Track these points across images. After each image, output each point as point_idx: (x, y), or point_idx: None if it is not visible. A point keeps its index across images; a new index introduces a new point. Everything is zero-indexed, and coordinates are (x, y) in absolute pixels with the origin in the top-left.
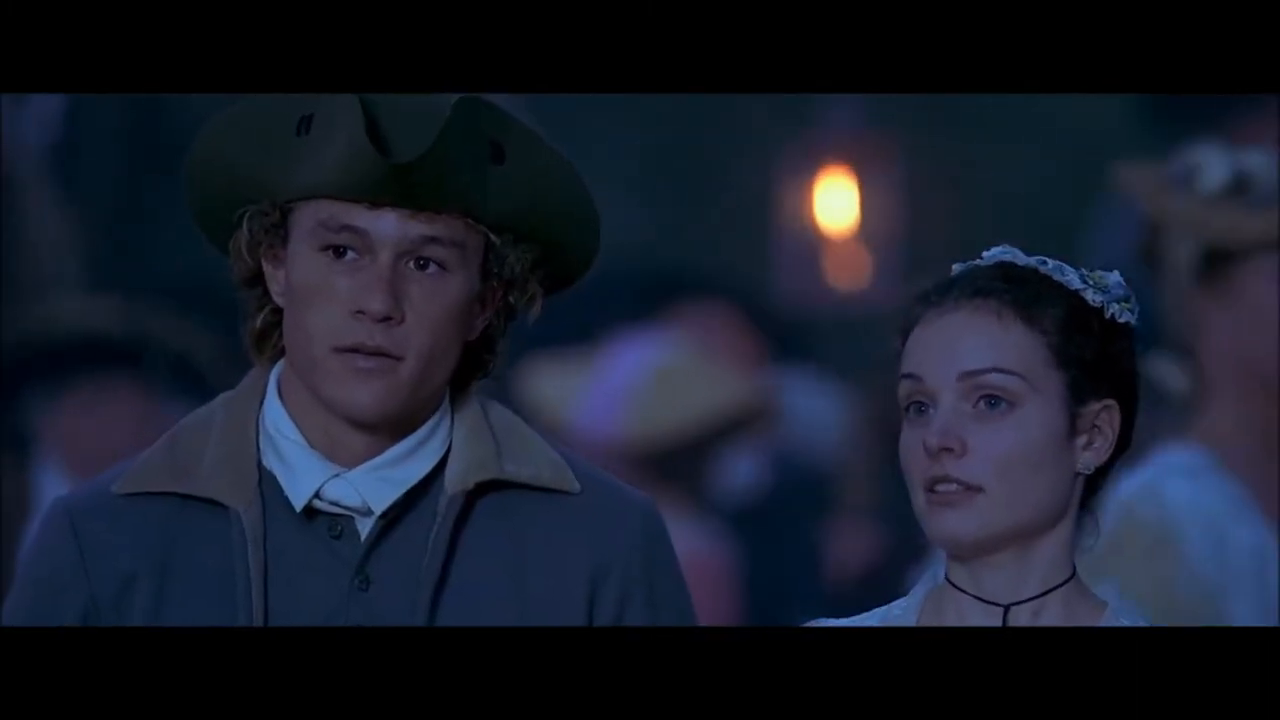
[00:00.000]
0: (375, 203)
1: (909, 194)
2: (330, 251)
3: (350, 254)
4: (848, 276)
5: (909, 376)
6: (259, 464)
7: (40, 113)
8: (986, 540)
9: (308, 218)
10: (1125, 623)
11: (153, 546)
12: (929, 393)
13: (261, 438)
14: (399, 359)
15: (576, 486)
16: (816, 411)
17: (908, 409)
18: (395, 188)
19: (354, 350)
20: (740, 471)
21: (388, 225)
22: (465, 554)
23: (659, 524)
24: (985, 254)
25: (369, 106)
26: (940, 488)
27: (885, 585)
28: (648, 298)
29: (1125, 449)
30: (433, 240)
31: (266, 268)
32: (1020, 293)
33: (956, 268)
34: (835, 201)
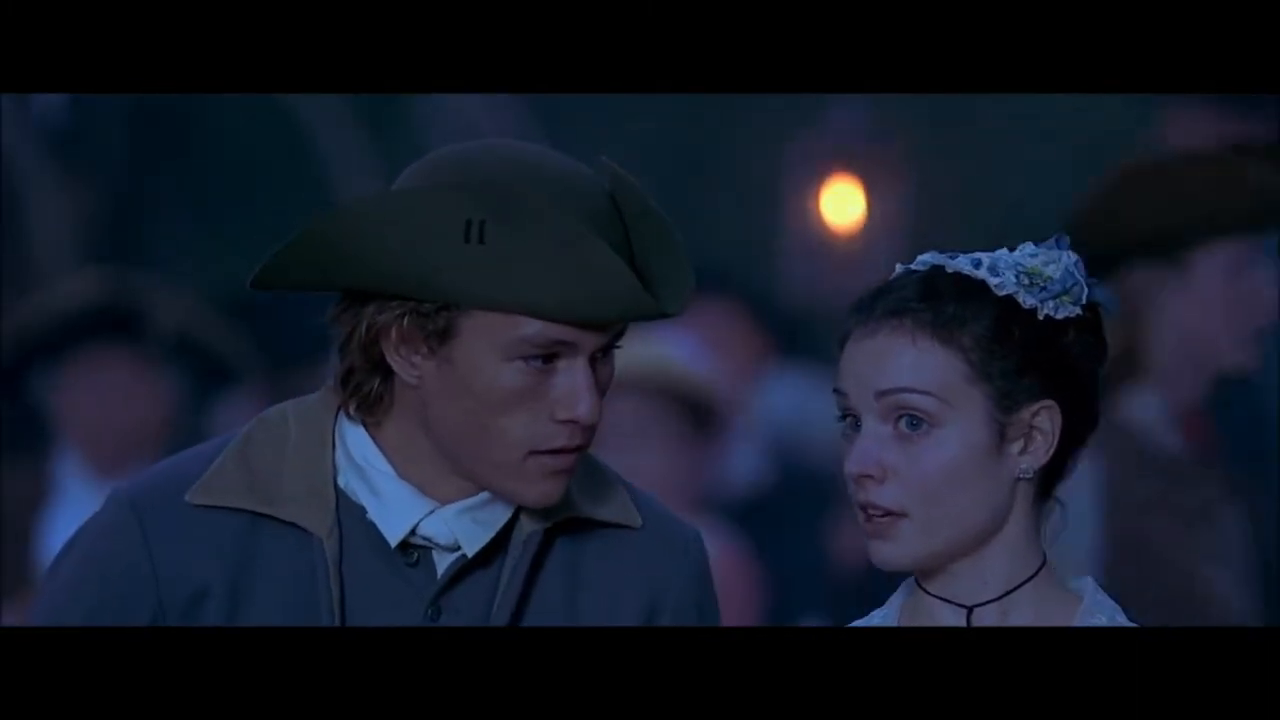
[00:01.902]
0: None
1: (916, 193)
2: (531, 361)
3: (550, 360)
4: (854, 275)
5: (838, 392)
6: (335, 485)
7: (43, 102)
8: (922, 562)
9: (499, 328)
10: (1100, 617)
11: (227, 562)
12: (854, 409)
13: (340, 457)
14: (586, 447)
15: (639, 521)
16: (818, 407)
17: (842, 420)
18: (643, 319)
19: (557, 452)
20: (741, 469)
21: (594, 333)
22: (536, 589)
23: (706, 559)
24: (918, 259)
25: (599, 229)
26: (869, 513)
27: (889, 584)
28: None
29: (1081, 440)
30: (621, 334)
31: (409, 356)
32: (938, 310)
33: (899, 269)
34: (842, 200)
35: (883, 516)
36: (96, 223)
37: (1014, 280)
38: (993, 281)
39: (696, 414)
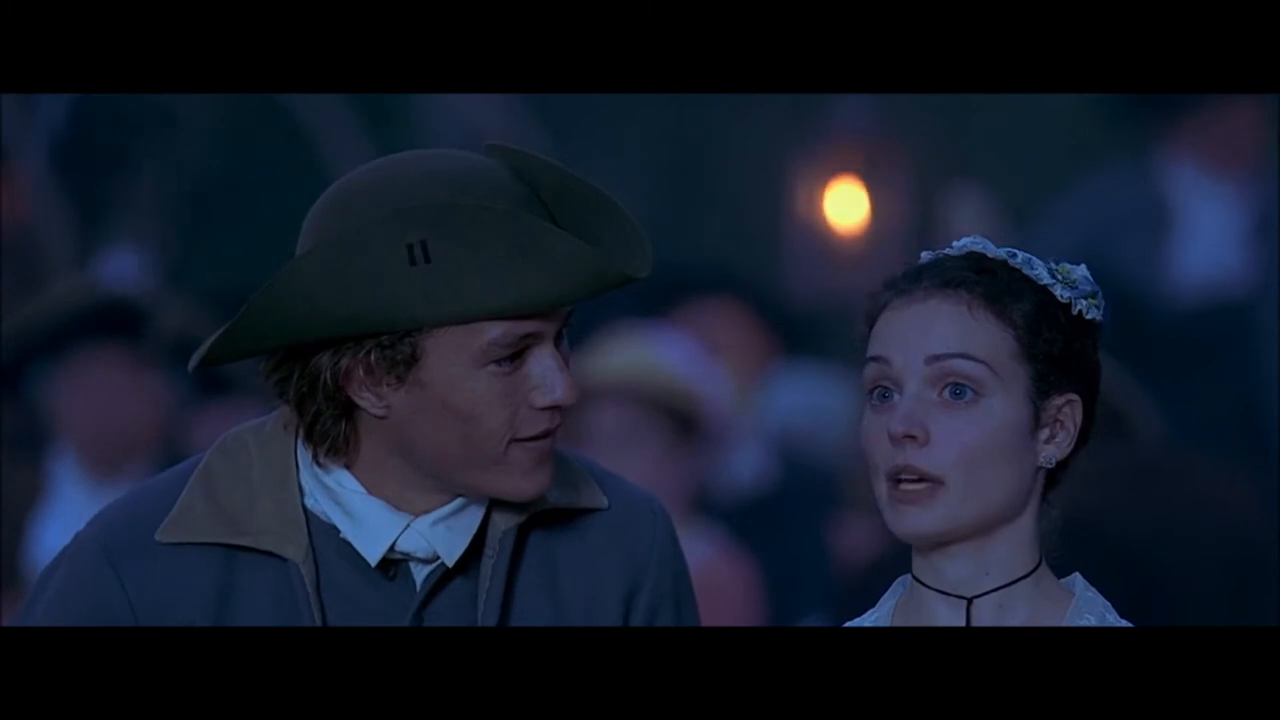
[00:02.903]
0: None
1: (916, 191)
2: (502, 362)
3: (519, 355)
4: (855, 272)
5: (876, 359)
6: (304, 508)
7: (45, 100)
8: (947, 534)
9: (464, 339)
10: (1090, 618)
11: (207, 597)
12: (895, 377)
13: (305, 479)
14: (560, 428)
15: (605, 502)
16: (822, 407)
17: (872, 393)
18: (610, 290)
19: (540, 438)
20: (745, 468)
21: (556, 317)
22: (517, 587)
23: (672, 528)
24: (955, 244)
25: (551, 218)
26: (903, 479)
27: (889, 583)
28: (657, 295)
29: (1085, 443)
30: (573, 310)
31: (376, 390)
32: (991, 285)
33: (925, 255)
34: (843, 198)
35: (917, 482)
36: (98, 222)
37: (1048, 275)
38: (1030, 272)
39: (682, 421)
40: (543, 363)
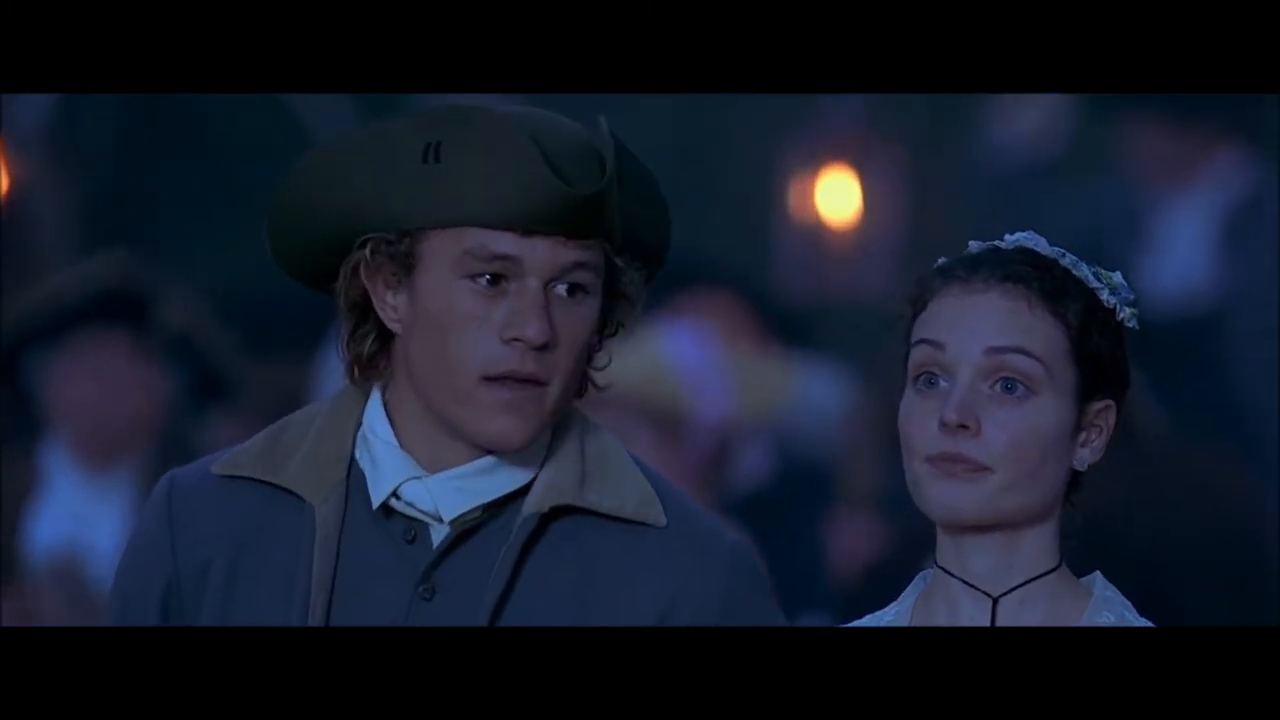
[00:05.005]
0: (529, 230)
1: (910, 187)
2: (479, 279)
3: (499, 280)
4: (849, 268)
5: (929, 343)
6: (351, 461)
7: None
8: (983, 518)
9: (449, 245)
10: (1109, 616)
11: (235, 531)
12: (946, 363)
13: (358, 435)
14: (545, 384)
15: (662, 521)
16: (818, 402)
17: (918, 377)
18: (568, 217)
19: (505, 378)
20: (745, 464)
21: (541, 251)
22: (532, 576)
23: (748, 567)
24: (1008, 237)
25: (534, 135)
26: (952, 465)
27: (890, 579)
28: (654, 289)
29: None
30: (582, 266)
31: (384, 294)
32: (1048, 283)
33: (974, 245)
34: (837, 194)
35: (966, 468)
36: (98, 220)
37: (1093, 277)
38: (1078, 273)
39: (675, 421)
40: (523, 297)
